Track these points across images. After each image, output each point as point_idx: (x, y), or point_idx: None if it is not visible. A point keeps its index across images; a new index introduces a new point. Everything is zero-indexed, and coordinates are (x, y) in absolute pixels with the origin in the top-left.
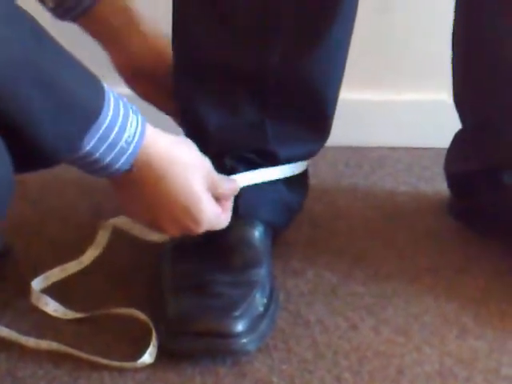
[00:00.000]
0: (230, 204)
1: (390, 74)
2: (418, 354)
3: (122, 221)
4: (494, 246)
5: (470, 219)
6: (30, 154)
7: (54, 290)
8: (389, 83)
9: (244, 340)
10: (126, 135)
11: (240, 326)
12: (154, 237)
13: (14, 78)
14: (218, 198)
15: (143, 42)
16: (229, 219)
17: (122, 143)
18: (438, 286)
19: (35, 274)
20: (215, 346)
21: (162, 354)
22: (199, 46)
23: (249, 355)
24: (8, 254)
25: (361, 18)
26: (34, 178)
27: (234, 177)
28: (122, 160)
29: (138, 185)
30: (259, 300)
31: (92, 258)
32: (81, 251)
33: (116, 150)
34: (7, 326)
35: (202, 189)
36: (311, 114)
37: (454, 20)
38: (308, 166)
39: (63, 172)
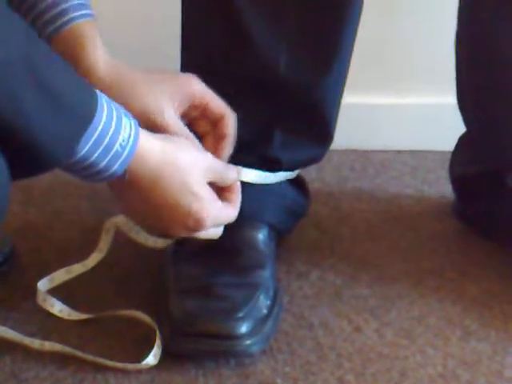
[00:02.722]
0: (237, 198)
1: (394, 77)
2: (422, 357)
3: (122, 220)
4: (498, 249)
5: (474, 222)
6: (25, 160)
7: (60, 292)
8: (394, 87)
9: (247, 342)
10: (120, 138)
11: (244, 328)
12: (151, 242)
13: (10, 79)
14: (226, 189)
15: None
16: (236, 213)
17: (117, 147)
18: (442, 288)
19: (41, 276)
20: (219, 347)
21: (165, 356)
22: (209, 54)
23: (252, 357)
24: (13, 257)
25: (366, 22)
26: (40, 182)
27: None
28: (117, 164)
29: (134, 189)
30: (263, 302)
31: (96, 261)
32: (86, 253)
33: (111, 153)
34: (13, 327)
35: (200, 186)
36: (316, 122)
37: (458, 23)
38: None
39: (67, 175)
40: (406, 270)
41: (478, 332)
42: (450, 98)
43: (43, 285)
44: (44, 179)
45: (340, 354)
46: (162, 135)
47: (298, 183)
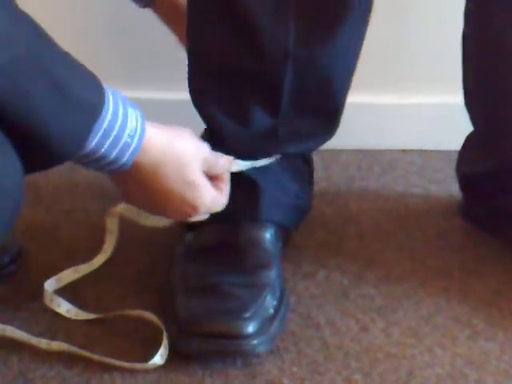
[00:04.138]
0: (227, 187)
1: (402, 77)
2: (429, 356)
3: (127, 208)
4: (505, 248)
5: (481, 221)
6: (37, 154)
7: (67, 292)
8: (400, 86)
9: (254, 342)
10: (127, 130)
11: (250, 328)
12: (159, 222)
13: (21, 76)
14: (216, 178)
15: None
16: (226, 201)
17: (126, 138)
18: (449, 287)
19: (48, 276)
20: (226, 347)
21: (172, 356)
22: (212, 52)
23: (259, 357)
24: (21, 257)
25: (374, 22)
26: (47, 182)
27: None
28: (128, 155)
29: (135, 177)
30: (269, 302)
31: (102, 261)
32: (93, 253)
33: (120, 145)
34: (20, 327)
35: (198, 176)
36: (323, 110)
37: (464, 22)
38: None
39: (75, 175)
40: (412, 270)
41: (485, 331)
42: (457, 98)
43: (50, 285)
44: (51, 179)
45: (347, 354)
46: (162, 125)
47: (300, 178)
